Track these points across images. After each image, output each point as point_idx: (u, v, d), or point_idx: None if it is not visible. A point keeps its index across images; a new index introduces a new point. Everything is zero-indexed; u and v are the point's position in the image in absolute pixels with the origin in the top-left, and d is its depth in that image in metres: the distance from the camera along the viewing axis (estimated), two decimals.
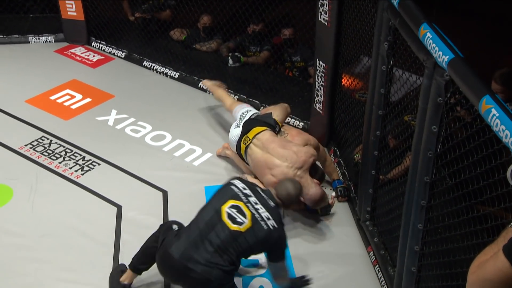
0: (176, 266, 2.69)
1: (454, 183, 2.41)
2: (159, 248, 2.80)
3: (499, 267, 1.46)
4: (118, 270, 3.12)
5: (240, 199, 2.81)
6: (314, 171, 3.76)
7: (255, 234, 2.76)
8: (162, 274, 2.85)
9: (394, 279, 3.08)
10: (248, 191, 2.86)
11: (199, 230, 2.75)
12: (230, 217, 2.76)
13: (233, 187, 2.87)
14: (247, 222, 2.76)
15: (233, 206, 2.78)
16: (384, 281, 3.27)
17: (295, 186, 3.00)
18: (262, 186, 3.19)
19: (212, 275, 2.69)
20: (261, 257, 3.22)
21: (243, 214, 2.78)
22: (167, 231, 2.89)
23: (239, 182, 2.92)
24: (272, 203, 2.87)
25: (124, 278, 3.04)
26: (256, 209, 2.81)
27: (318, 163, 3.88)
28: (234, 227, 2.74)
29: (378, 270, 3.35)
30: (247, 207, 2.80)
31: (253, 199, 2.84)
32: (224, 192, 2.87)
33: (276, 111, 4.03)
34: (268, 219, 2.80)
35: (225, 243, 2.71)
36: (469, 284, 1.53)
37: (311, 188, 3.52)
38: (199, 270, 2.67)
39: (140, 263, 2.99)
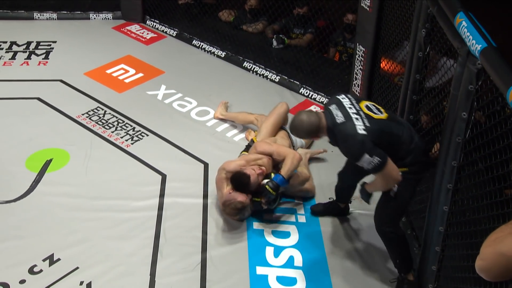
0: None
1: (480, 168, 2.38)
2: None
3: None
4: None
5: None
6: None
7: None
8: None
9: (418, 257, 3.08)
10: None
11: (404, 134, 2.76)
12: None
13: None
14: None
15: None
16: None
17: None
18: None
19: None
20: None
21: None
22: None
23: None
24: None
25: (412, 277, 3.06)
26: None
27: None
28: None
29: None
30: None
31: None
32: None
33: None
34: None
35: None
36: (483, 258, 1.47)
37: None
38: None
39: (411, 262, 3.06)
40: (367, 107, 2.77)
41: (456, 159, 2.54)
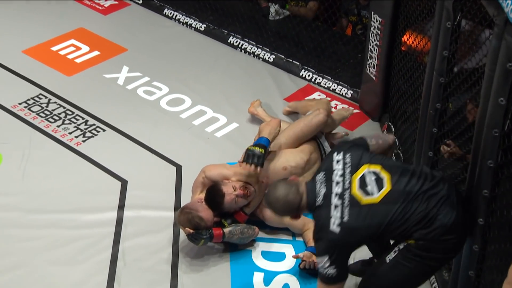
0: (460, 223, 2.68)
1: None
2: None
3: None
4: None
5: None
6: None
7: None
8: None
9: (448, 285, 3.11)
10: None
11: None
12: None
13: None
14: None
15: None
16: (437, 287, 3.29)
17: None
18: None
19: None
20: None
21: None
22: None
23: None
24: None
25: None
26: None
27: None
28: None
29: None
30: None
31: None
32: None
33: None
34: None
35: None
36: (511, 281, 1.53)
37: None
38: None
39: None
40: (361, 181, 2.68)
41: (493, 158, 2.56)
